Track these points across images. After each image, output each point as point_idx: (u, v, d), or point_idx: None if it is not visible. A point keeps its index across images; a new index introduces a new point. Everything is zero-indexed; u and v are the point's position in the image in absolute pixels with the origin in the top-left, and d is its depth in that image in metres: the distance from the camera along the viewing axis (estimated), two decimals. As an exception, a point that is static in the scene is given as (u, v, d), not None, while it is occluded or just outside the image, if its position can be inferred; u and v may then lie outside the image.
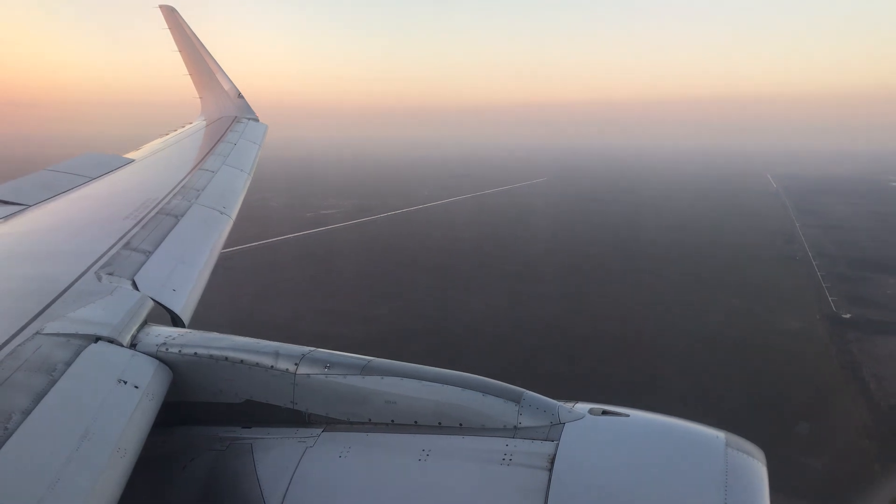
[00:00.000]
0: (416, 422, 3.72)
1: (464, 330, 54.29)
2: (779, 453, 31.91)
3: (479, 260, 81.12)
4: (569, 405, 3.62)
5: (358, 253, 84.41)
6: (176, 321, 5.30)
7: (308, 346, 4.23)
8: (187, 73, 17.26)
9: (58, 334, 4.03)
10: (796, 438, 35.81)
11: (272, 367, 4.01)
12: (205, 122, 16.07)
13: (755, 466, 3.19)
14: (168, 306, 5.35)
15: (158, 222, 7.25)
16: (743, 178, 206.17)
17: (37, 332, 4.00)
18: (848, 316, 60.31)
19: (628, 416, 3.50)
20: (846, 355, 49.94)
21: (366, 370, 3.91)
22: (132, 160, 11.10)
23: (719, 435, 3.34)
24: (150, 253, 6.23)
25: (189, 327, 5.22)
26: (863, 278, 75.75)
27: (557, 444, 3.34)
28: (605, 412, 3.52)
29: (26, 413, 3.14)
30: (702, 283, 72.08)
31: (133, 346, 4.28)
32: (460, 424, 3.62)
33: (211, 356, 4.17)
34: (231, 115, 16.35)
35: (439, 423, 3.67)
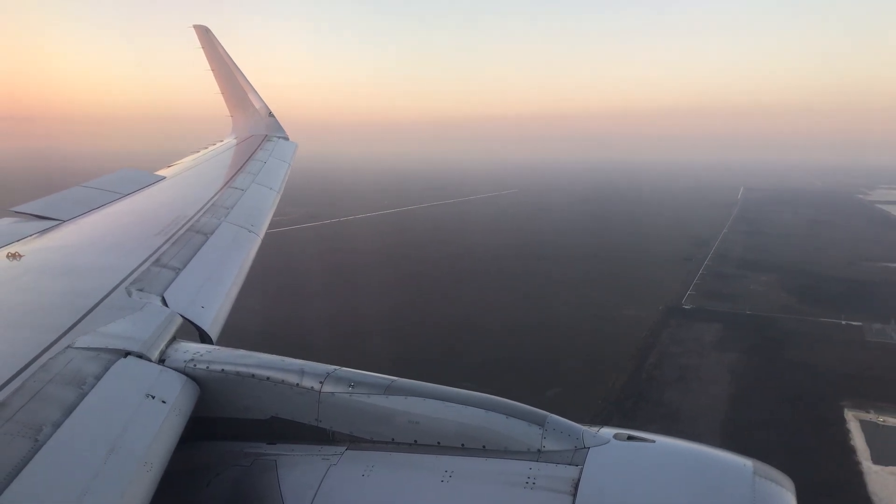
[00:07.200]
0: (439, 442, 3.75)
1: (304, 321, 60.22)
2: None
3: (373, 265, 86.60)
4: (593, 429, 3.62)
5: (275, 256, 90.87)
6: (204, 338, 5.40)
7: (332, 364, 4.32)
8: (219, 91, 17.51)
9: (88, 348, 4.12)
10: (540, 401, 40.84)
11: (297, 384, 4.09)
12: (235, 140, 16.24)
13: (783, 495, 3.18)
14: (196, 323, 5.45)
15: (188, 240, 7.36)
16: (714, 190, 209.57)
17: (68, 346, 4.09)
18: (689, 307, 64.78)
19: (654, 441, 3.50)
20: (653, 338, 54.62)
21: (389, 390, 3.96)
22: (164, 177, 11.27)
23: (747, 463, 3.31)
24: (180, 270, 6.34)
25: (217, 344, 5.33)
26: (739, 276, 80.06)
27: (581, 469, 3.33)
28: (630, 437, 3.54)
29: (56, 425, 3.21)
30: (578, 281, 76.79)
31: (162, 361, 4.35)
32: (483, 446, 3.65)
33: (238, 373, 4.24)
34: (261, 134, 16.55)
35: (462, 445, 3.69)
